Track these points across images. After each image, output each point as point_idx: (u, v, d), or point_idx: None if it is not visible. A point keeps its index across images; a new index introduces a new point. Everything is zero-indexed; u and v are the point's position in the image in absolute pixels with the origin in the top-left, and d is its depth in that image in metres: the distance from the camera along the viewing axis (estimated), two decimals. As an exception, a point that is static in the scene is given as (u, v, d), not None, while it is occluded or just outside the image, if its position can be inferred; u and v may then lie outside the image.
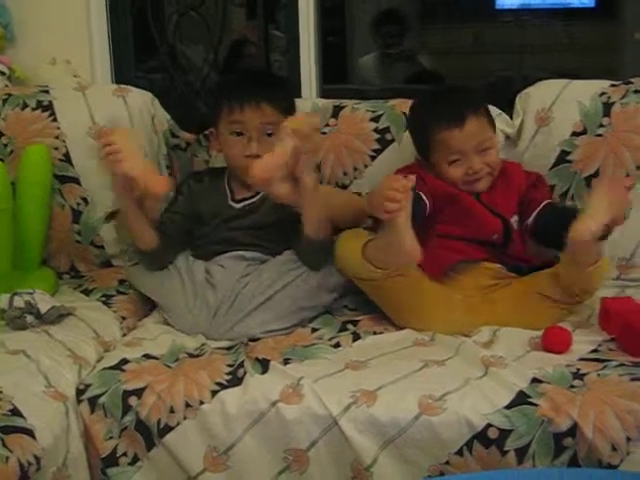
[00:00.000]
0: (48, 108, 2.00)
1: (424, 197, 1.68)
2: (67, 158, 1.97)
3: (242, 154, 1.77)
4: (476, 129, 1.72)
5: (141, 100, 2.05)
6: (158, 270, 1.77)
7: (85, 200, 1.98)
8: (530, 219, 1.76)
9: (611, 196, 1.54)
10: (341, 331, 1.67)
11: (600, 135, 1.88)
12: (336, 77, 3.45)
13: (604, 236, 1.57)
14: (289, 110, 1.84)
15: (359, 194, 1.94)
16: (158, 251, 1.74)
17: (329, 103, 2.02)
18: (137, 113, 2.02)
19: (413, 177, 1.49)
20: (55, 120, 1.98)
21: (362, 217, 1.79)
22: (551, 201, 1.80)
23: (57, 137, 1.97)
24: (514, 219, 1.77)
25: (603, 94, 1.91)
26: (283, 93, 1.86)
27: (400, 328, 1.68)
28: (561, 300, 1.66)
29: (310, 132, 1.58)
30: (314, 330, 1.68)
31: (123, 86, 2.08)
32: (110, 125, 1.67)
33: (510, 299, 1.68)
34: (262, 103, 1.77)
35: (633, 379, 1.41)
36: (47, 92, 2.04)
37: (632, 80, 1.95)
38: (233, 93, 1.80)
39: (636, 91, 1.91)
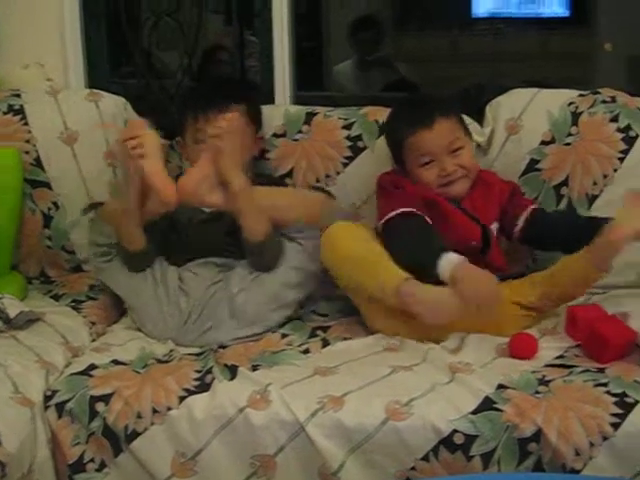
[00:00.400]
0: (19, 112, 1.99)
1: (422, 214, 1.70)
2: (38, 162, 1.96)
3: None
4: (445, 130, 1.74)
5: (114, 105, 2.05)
6: (138, 272, 1.75)
7: (56, 205, 1.97)
8: (519, 222, 1.78)
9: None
10: (311, 337, 1.68)
11: (569, 144, 1.91)
12: (311, 84, 3.47)
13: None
14: (254, 117, 1.84)
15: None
16: (145, 253, 1.74)
17: (302, 110, 2.03)
18: (110, 118, 2.02)
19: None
20: (26, 124, 1.98)
21: (316, 212, 1.76)
22: (537, 207, 1.82)
23: (28, 141, 1.96)
24: (494, 226, 1.79)
25: (571, 104, 1.94)
26: (248, 100, 1.86)
27: (370, 334, 1.69)
28: (535, 307, 1.69)
29: (227, 134, 1.60)
30: (284, 336, 1.68)
31: (96, 91, 2.08)
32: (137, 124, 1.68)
33: None
34: (226, 110, 1.76)
35: (596, 385, 1.43)
36: (19, 96, 2.04)
37: (599, 90, 1.97)
38: (198, 102, 1.81)
39: (604, 101, 1.94)
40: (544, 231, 1.79)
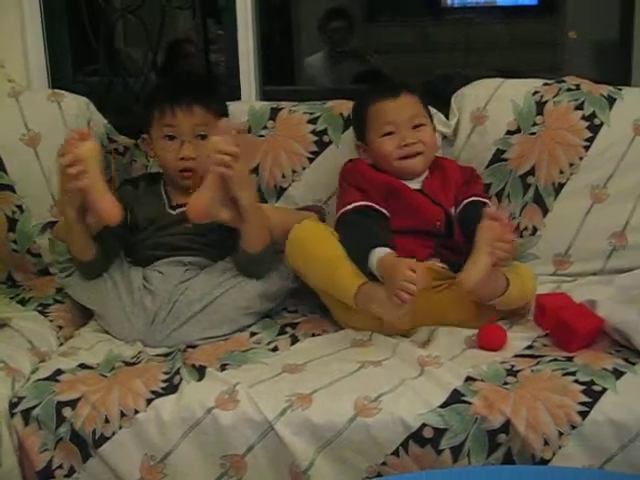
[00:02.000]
0: (-20, 115, 1.97)
1: (383, 210, 1.71)
2: (1, 165, 1.94)
3: (175, 158, 1.76)
4: (409, 103, 1.79)
5: (76, 105, 2.03)
6: (91, 277, 1.74)
7: (20, 208, 1.95)
8: (456, 212, 1.78)
9: (493, 237, 1.54)
10: (280, 334, 1.67)
11: (534, 133, 1.91)
12: (281, 78, 3.45)
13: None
14: (221, 111, 1.83)
15: (304, 208, 1.91)
16: (96, 261, 1.72)
17: (267, 105, 2.02)
18: (72, 118, 2.00)
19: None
20: (-13, 127, 1.95)
21: None
22: (476, 198, 1.79)
23: (-11, 144, 1.94)
24: (453, 210, 1.79)
25: (536, 93, 1.94)
26: (215, 94, 1.85)
27: (340, 329, 1.69)
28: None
29: (234, 148, 1.58)
30: (253, 334, 1.67)
31: (57, 91, 2.05)
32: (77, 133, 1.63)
33: (450, 301, 1.68)
34: (193, 105, 1.76)
35: (565, 374, 1.43)
36: (-21, 98, 2.01)
37: (564, 79, 1.98)
38: (164, 97, 1.79)
39: (568, 89, 1.94)
40: (466, 228, 1.74)
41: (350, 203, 1.72)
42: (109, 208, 1.59)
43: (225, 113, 1.90)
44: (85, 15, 2.45)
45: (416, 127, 1.77)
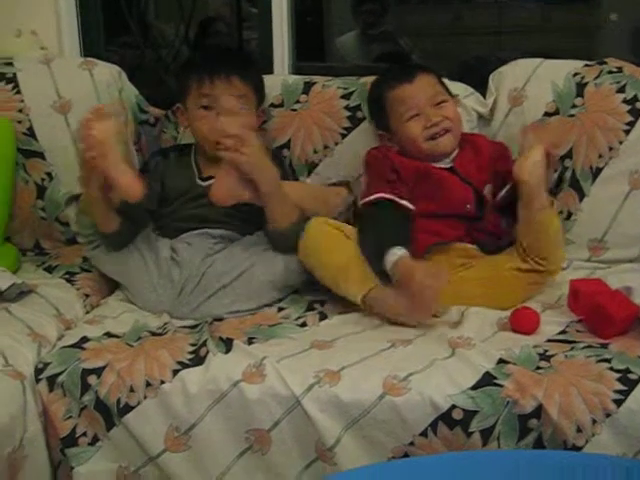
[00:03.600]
0: (12, 81, 1.95)
1: (405, 203, 1.68)
2: (31, 132, 1.92)
3: (211, 128, 1.74)
4: (426, 83, 1.76)
5: (108, 73, 2.00)
6: (118, 249, 1.73)
7: (50, 175, 1.94)
8: (503, 191, 1.74)
9: (539, 130, 1.59)
10: (308, 310, 1.65)
11: (573, 115, 1.86)
12: (312, 55, 3.42)
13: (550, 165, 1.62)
14: (258, 84, 1.81)
15: (335, 184, 1.88)
16: (120, 232, 1.71)
17: (300, 79, 1.98)
18: (104, 87, 1.98)
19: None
20: (19, 93, 1.94)
21: (330, 210, 1.76)
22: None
23: (21, 110, 1.92)
24: (487, 189, 1.75)
25: (577, 74, 1.89)
26: (252, 67, 1.84)
27: (368, 308, 1.66)
28: (531, 269, 1.64)
29: (240, 131, 1.59)
30: (280, 309, 1.65)
31: (89, 59, 2.03)
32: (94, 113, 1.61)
33: (480, 278, 1.66)
34: (232, 76, 1.75)
35: (599, 360, 1.40)
36: (11, 64, 1.99)
37: (606, 60, 1.93)
38: (203, 67, 1.77)
39: (610, 71, 1.89)
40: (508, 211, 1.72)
41: (372, 193, 1.70)
42: (130, 185, 1.58)
43: (261, 89, 1.87)
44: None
45: (438, 105, 1.74)
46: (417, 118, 1.73)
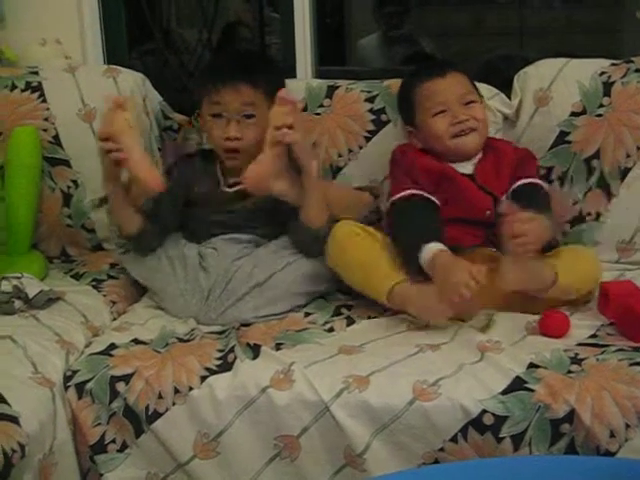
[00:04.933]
0: (37, 89, 1.96)
1: (433, 199, 1.67)
2: (57, 140, 1.94)
3: (221, 136, 1.73)
4: (458, 81, 1.75)
5: (132, 81, 2.01)
6: (146, 253, 1.74)
7: (75, 183, 1.95)
8: (509, 193, 1.72)
9: (507, 235, 1.49)
10: (335, 315, 1.64)
11: (600, 115, 1.84)
12: (334, 60, 3.42)
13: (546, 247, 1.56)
14: (270, 90, 1.79)
15: (360, 188, 1.88)
16: (143, 234, 1.71)
17: (323, 83, 1.98)
18: (128, 94, 1.97)
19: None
20: (44, 101, 1.95)
21: (358, 211, 1.76)
22: (526, 180, 1.72)
23: (46, 119, 1.93)
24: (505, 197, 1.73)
25: (603, 73, 1.87)
26: (264, 73, 1.79)
27: (395, 312, 1.65)
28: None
29: (294, 120, 1.56)
30: (307, 314, 1.65)
31: (113, 67, 2.04)
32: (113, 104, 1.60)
33: None
34: (240, 84, 1.71)
35: (632, 364, 1.38)
36: (36, 73, 2.00)
37: (633, 59, 1.90)
38: (212, 74, 1.77)
39: (637, 70, 1.86)
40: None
41: (400, 191, 1.69)
42: (149, 176, 1.58)
43: (273, 93, 1.85)
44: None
45: (467, 104, 1.73)
46: (444, 114, 1.72)
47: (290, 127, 1.56)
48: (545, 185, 1.76)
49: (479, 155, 1.76)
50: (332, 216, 1.68)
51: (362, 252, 1.61)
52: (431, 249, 1.55)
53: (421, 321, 1.55)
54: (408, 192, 1.68)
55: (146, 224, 1.70)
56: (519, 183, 1.72)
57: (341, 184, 1.90)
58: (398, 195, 1.69)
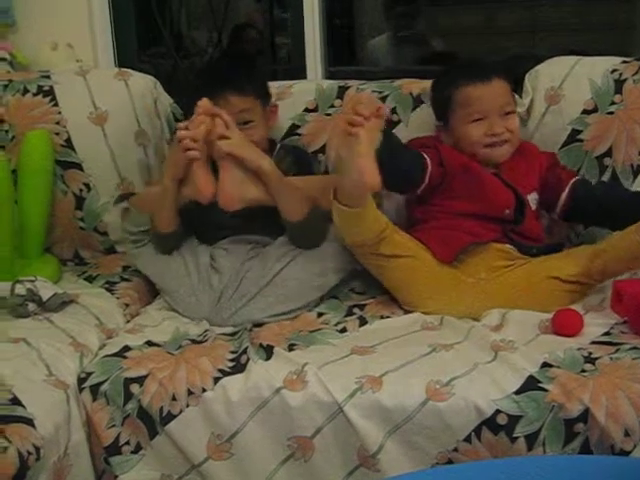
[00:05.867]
0: (49, 93, 1.97)
1: (425, 156, 1.66)
2: (69, 143, 1.94)
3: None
4: (501, 90, 1.72)
5: (143, 84, 2.02)
6: (165, 252, 1.74)
7: (88, 186, 1.96)
8: (562, 199, 1.73)
9: None
10: (347, 316, 1.64)
11: (612, 113, 1.83)
12: (344, 61, 3.41)
13: None
14: (260, 92, 1.80)
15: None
16: (175, 234, 1.73)
17: (334, 84, 1.98)
18: (139, 97, 1.99)
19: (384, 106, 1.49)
20: (56, 105, 1.96)
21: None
22: (579, 179, 1.76)
23: (58, 122, 1.95)
24: (532, 197, 1.74)
25: (615, 71, 1.86)
26: (248, 77, 1.79)
27: (408, 312, 1.65)
28: (576, 281, 1.63)
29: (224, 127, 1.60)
30: (320, 315, 1.65)
31: (124, 70, 2.05)
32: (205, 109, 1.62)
33: (521, 281, 1.64)
34: (228, 94, 1.72)
35: (646, 362, 1.37)
36: (48, 77, 2.01)
37: (644, 56, 1.90)
38: (201, 89, 1.75)
39: (649, 67, 1.86)
40: (587, 207, 1.73)
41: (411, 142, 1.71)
42: (206, 186, 1.62)
43: (264, 91, 1.85)
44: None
45: (505, 115, 1.71)
46: (481, 122, 1.70)
47: (223, 137, 1.59)
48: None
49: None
50: (323, 206, 1.66)
51: None
52: None
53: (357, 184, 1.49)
54: (411, 141, 1.70)
55: (179, 226, 1.72)
56: (575, 180, 1.74)
57: (318, 176, 1.87)
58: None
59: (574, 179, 1.76)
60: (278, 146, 1.86)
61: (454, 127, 1.74)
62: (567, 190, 1.74)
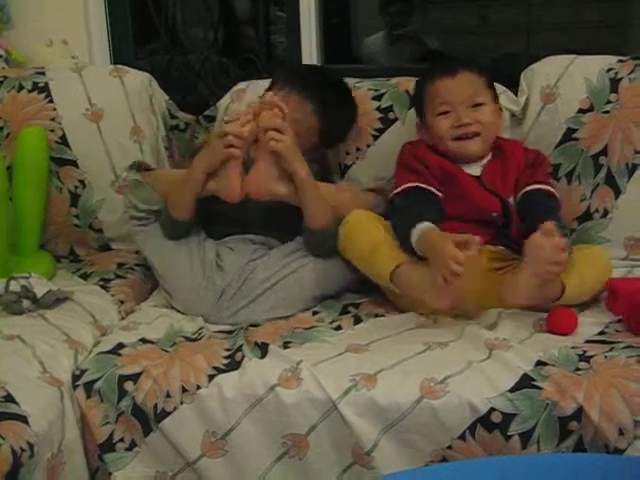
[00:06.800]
0: (44, 90, 1.97)
1: (434, 190, 1.67)
2: (64, 140, 1.94)
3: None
4: (467, 81, 1.72)
5: (139, 81, 2.02)
6: (175, 239, 1.73)
7: (83, 183, 1.95)
8: (515, 200, 1.71)
9: (543, 258, 1.47)
10: (342, 314, 1.64)
11: (607, 112, 1.83)
12: (339, 58, 3.41)
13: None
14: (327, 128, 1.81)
15: (372, 190, 1.86)
16: (189, 223, 1.72)
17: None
18: (135, 94, 1.99)
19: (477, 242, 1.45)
20: (51, 102, 1.96)
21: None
22: (537, 186, 1.71)
23: (53, 119, 1.94)
24: (512, 199, 1.72)
25: (610, 70, 1.86)
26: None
27: (402, 311, 1.65)
28: None
29: (280, 122, 1.60)
30: (315, 313, 1.65)
31: (120, 66, 2.05)
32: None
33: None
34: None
35: (640, 361, 1.37)
36: (43, 74, 2.01)
37: (640, 55, 1.90)
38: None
39: (644, 66, 1.86)
40: (522, 215, 1.69)
41: (400, 186, 1.69)
42: (235, 187, 1.63)
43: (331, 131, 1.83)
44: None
45: (474, 106, 1.71)
46: (448, 115, 1.71)
47: (278, 130, 1.60)
48: (553, 191, 1.73)
49: (488, 156, 1.75)
50: (341, 219, 1.67)
51: (369, 235, 1.61)
52: (420, 229, 1.54)
53: (424, 306, 1.54)
54: (406, 186, 1.68)
55: (194, 217, 1.71)
56: (528, 188, 1.70)
57: (349, 185, 1.89)
58: (396, 190, 1.69)
59: (530, 187, 1.71)
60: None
61: (427, 123, 1.75)
62: (518, 196, 1.71)
